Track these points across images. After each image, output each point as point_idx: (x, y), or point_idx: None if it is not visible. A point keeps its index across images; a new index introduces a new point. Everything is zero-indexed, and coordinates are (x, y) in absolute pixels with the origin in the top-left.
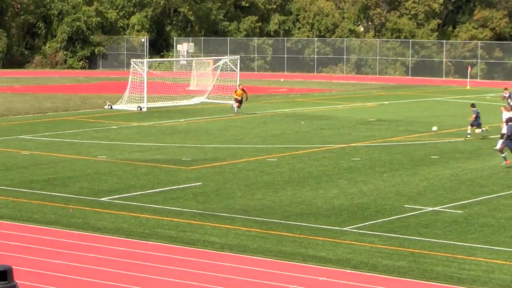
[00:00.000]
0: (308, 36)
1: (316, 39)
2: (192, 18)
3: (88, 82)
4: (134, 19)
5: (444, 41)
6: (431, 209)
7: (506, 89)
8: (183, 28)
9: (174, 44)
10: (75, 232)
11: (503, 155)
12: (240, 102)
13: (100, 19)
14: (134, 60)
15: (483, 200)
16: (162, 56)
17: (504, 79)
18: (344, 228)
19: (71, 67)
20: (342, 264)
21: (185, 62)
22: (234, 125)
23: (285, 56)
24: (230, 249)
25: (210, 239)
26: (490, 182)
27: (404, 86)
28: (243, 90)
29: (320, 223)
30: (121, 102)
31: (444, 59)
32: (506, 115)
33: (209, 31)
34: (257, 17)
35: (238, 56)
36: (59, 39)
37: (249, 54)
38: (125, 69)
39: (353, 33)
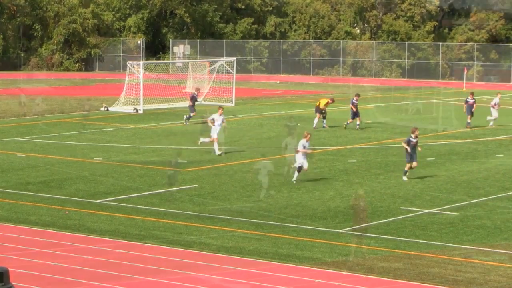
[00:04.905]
0: (304, 38)
1: (312, 41)
2: (188, 20)
3: (84, 84)
4: (130, 21)
5: (440, 43)
6: (427, 211)
7: None
8: (179, 30)
9: (170, 46)
10: (71, 234)
11: None
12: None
13: (96, 21)
14: (130, 62)
15: (479, 202)
16: (159, 58)
17: (500, 81)
18: (340, 230)
19: (67, 69)
20: (338, 266)
21: (181, 64)
22: (230, 127)
23: (281, 58)
24: (226, 251)
25: (206, 241)
26: (486, 184)
27: (400, 88)
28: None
29: (316, 225)
30: (117, 104)
31: (440, 61)
32: None
33: (205, 33)
34: (253, 19)
35: (234, 58)
36: (55, 41)
37: (245, 56)
38: (121, 71)
39: (349, 35)
